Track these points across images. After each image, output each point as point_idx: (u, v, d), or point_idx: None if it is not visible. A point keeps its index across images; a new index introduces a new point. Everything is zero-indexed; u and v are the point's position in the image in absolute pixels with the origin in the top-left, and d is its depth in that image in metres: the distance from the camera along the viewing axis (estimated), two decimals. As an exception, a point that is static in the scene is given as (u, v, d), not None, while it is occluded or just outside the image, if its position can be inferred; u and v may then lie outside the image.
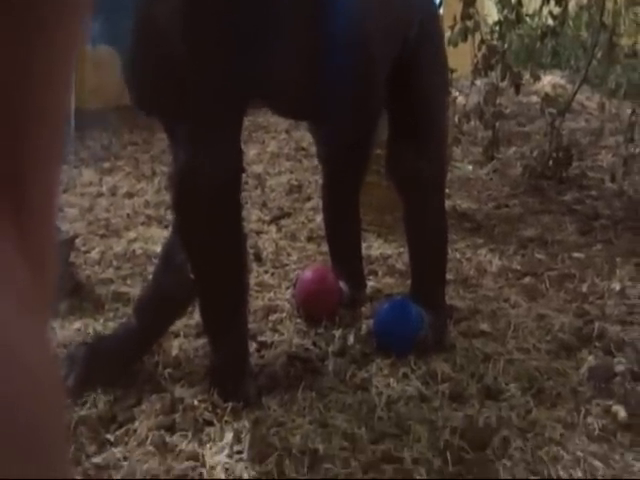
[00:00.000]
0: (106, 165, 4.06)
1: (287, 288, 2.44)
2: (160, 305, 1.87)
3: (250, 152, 4.11)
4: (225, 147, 1.61)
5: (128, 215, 3.24)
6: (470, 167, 3.94)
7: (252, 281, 2.36)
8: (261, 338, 2.08)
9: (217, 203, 1.60)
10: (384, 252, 2.79)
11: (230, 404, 1.70)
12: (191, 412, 1.70)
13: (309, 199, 3.44)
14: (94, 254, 2.74)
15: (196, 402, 1.74)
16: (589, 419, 1.69)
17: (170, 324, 1.96)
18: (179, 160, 1.59)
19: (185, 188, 1.59)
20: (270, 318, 2.22)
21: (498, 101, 3.63)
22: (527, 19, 4.20)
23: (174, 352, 1.99)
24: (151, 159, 4.18)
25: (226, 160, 1.60)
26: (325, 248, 2.53)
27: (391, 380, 1.86)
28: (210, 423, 1.67)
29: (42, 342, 0.37)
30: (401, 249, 2.70)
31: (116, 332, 1.94)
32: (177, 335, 2.09)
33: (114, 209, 3.32)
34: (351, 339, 2.07)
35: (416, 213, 2.08)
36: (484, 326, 2.16)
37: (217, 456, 1.55)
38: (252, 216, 3.14)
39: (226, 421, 1.66)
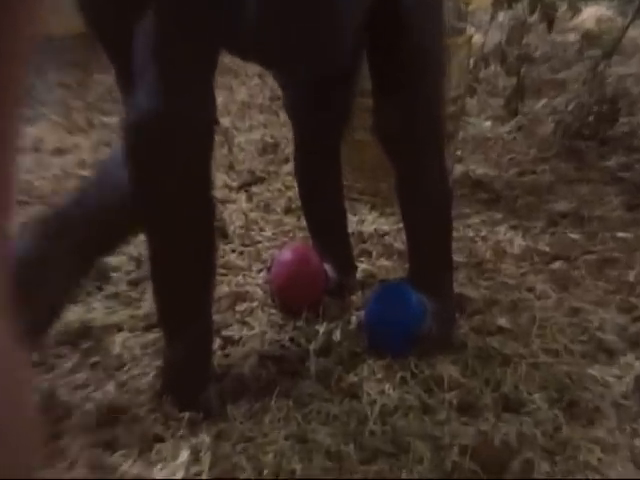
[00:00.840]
0: (28, 113, 4.02)
1: (259, 271, 2.45)
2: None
3: (214, 100, 4.07)
4: (197, 92, 1.62)
5: (57, 177, 3.22)
6: (488, 124, 3.93)
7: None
8: (226, 332, 2.08)
9: (185, 162, 1.61)
10: (379, 228, 2.80)
11: (187, 415, 1.71)
12: (137, 425, 1.70)
13: (287, 161, 3.41)
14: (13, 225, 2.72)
15: (143, 412, 1.74)
16: (635, 441, 1.70)
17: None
18: (139, 105, 1.59)
19: (145, 142, 1.59)
20: (238, 308, 2.22)
21: (525, 40, 3.60)
22: None
23: (116, 350, 2.00)
24: (87, 107, 4.14)
25: (197, 108, 1.61)
26: (307, 222, 2.53)
27: (386, 386, 1.87)
28: (161, 439, 1.67)
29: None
30: (401, 224, 2.68)
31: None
32: (120, 328, 2.10)
33: (38, 169, 3.30)
34: (338, 335, 2.08)
35: (409, 181, 2.11)
36: (502, 321, 2.16)
37: (169, 480, 1.56)
38: (217, 181, 3.13)
39: (181, 436, 1.67)
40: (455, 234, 2.33)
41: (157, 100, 1.56)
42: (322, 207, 2.41)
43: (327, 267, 2.31)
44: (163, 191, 1.63)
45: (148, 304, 2.17)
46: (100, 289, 2.33)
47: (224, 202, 2.98)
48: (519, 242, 2.69)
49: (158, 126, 1.57)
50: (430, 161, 2.08)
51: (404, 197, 2.14)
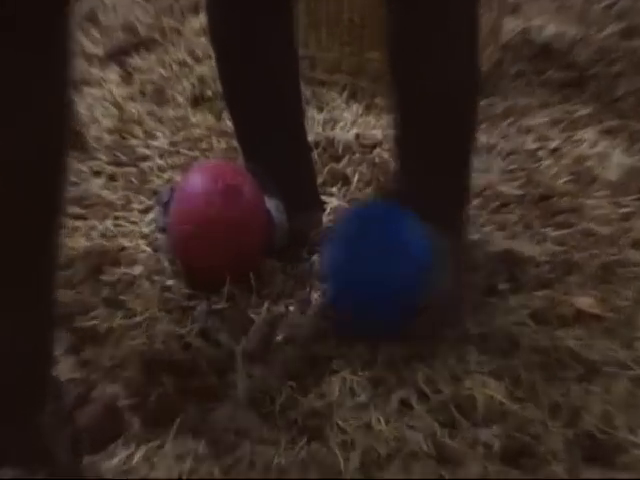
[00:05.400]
0: None
1: (145, 210, 2.52)
2: None
3: None
4: None
5: None
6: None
7: (68, 194, 2.38)
8: (84, 322, 2.10)
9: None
10: (365, 133, 2.89)
11: (8, 471, 1.59)
12: None
13: (197, 10, 3.62)
14: None
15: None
16: None
17: None
18: None
19: None
20: (106, 278, 2.26)
21: None
22: None
23: None
24: None
25: None
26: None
27: (373, 416, 1.82)
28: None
29: None
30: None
31: None
32: None
33: None
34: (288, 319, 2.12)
35: (413, 40, 2.06)
36: (586, 301, 2.13)
37: None
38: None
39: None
40: (505, 144, 2.56)
41: None
42: (261, 95, 2.37)
43: (270, 204, 2.30)
44: None
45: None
46: None
47: (80, 84, 3.08)
48: (619, 160, 2.70)
49: None
50: (454, 6, 2.05)
51: (401, 67, 2.11)
